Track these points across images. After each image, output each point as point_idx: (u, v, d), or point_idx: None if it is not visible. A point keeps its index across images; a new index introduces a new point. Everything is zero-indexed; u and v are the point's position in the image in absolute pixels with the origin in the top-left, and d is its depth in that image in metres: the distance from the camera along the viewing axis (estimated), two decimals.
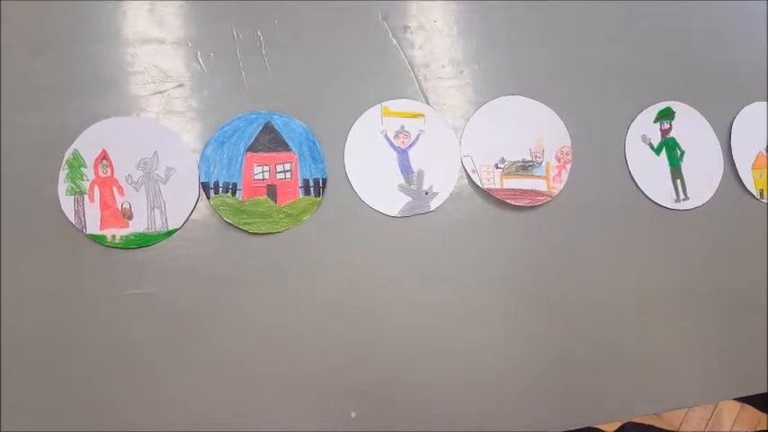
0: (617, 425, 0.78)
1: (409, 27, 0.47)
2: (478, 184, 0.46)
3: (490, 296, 0.45)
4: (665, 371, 0.48)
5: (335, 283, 0.43)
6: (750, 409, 0.86)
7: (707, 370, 0.48)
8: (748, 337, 0.50)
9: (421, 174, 0.46)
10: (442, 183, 0.46)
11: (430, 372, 0.44)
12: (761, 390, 0.50)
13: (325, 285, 0.43)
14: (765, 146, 0.52)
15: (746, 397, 0.78)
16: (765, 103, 0.52)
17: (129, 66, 0.42)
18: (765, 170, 0.51)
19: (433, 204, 0.45)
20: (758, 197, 0.51)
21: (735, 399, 0.81)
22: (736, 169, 0.51)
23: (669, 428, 0.76)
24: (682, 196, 0.49)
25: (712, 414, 1.34)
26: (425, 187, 0.45)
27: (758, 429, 1.11)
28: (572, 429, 0.46)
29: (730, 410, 1.22)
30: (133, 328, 0.40)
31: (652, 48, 0.51)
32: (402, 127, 0.46)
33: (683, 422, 1.32)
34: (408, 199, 0.45)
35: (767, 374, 0.50)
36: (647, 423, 0.79)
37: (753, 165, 0.51)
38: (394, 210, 0.45)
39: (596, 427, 0.61)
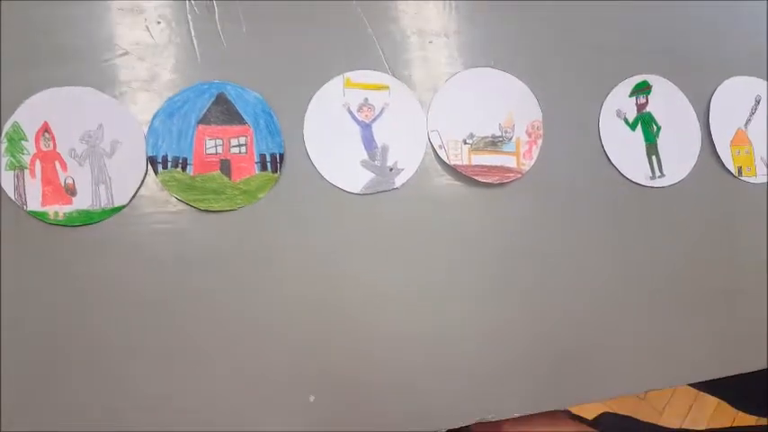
0: (595, 413, 0.77)
1: None
2: (445, 160, 0.44)
3: (458, 277, 0.44)
4: (640, 351, 0.46)
5: (294, 263, 0.41)
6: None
7: (683, 350, 0.47)
8: (726, 317, 0.48)
9: (385, 149, 0.43)
10: (408, 158, 0.44)
11: (396, 355, 0.42)
12: (740, 370, 0.49)
13: (284, 266, 0.41)
14: (744, 122, 0.50)
15: (719, 394, 0.77)
16: (745, 77, 0.51)
17: (71, 32, 0.40)
18: (744, 147, 0.50)
19: (398, 181, 0.43)
20: (736, 175, 0.49)
21: (709, 394, 0.81)
22: (714, 146, 0.49)
23: (649, 420, 0.75)
24: (657, 173, 0.47)
25: (695, 399, 1.34)
26: (390, 163, 0.43)
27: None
28: (547, 411, 0.44)
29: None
30: (77, 310, 0.38)
31: (628, 19, 0.49)
32: (365, 99, 0.44)
33: (666, 405, 1.33)
34: (372, 175, 0.43)
35: (744, 354, 0.49)
36: (626, 414, 0.78)
37: (731, 141, 0.49)
38: (356, 186, 0.43)
39: (574, 413, 0.60)
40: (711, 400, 1.28)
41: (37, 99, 0.39)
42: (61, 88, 0.39)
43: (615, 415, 0.79)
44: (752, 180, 0.50)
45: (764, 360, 0.48)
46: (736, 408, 0.77)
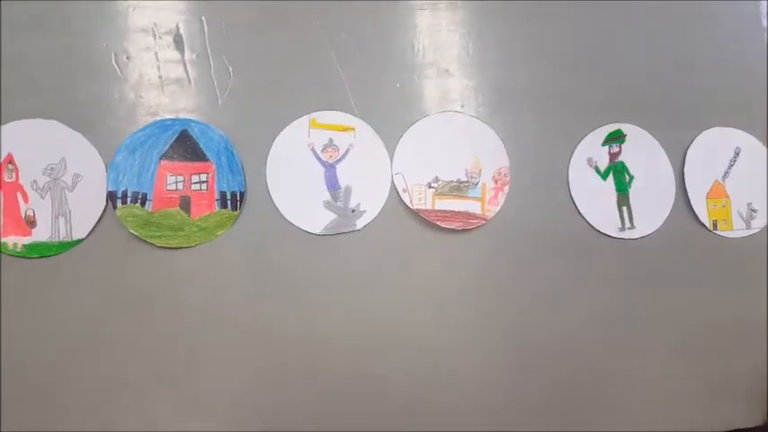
0: None
1: (343, 34, 0.44)
2: (408, 204, 0.43)
3: (413, 325, 0.43)
4: (606, 402, 0.45)
5: (249, 303, 0.41)
6: None
7: (654, 402, 0.46)
8: (695, 372, 0.47)
9: (348, 190, 0.43)
10: (371, 201, 0.44)
11: (350, 394, 0.42)
12: (712, 427, 0.48)
13: (238, 305, 0.41)
14: (722, 174, 0.49)
15: None
16: (725, 128, 0.49)
17: (39, 65, 0.40)
18: (721, 200, 0.48)
19: (360, 223, 0.43)
20: (711, 228, 0.48)
21: None
22: (688, 198, 0.48)
23: None
24: (627, 225, 0.47)
25: None
26: (352, 205, 0.43)
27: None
28: None
29: None
30: (31, 341, 0.38)
31: (603, 67, 0.48)
32: (330, 140, 0.43)
33: None
34: (334, 216, 0.43)
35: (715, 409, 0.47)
36: None
37: (707, 194, 0.48)
38: (317, 227, 0.43)
39: None
40: None
41: (2, 131, 0.39)
42: (26, 120, 0.40)
43: None
44: (727, 234, 0.48)
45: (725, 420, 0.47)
46: None
